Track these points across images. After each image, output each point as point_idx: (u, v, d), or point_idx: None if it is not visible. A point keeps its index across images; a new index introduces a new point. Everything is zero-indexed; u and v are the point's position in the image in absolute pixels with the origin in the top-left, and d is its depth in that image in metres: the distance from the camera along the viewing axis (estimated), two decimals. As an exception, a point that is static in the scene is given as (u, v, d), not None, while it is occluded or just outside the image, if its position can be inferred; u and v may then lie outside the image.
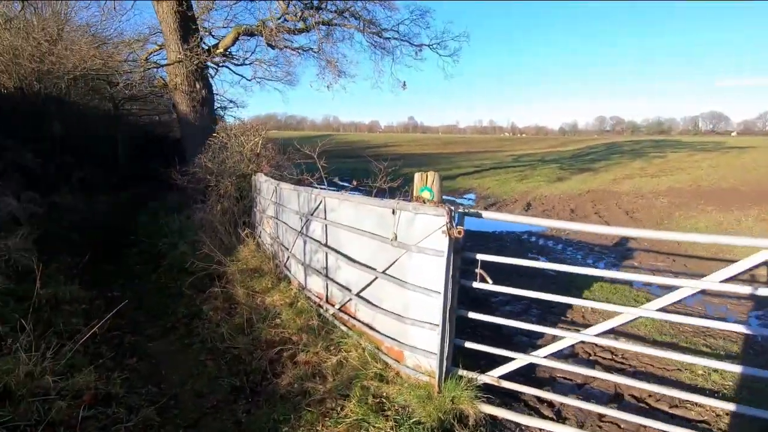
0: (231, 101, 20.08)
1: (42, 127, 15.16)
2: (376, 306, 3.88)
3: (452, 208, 3.08)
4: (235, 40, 13.77)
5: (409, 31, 15.29)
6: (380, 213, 3.72)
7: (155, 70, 15.10)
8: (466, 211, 3.26)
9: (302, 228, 5.27)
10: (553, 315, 5.29)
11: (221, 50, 13.68)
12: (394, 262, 3.55)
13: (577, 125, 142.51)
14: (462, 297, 3.48)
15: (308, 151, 5.91)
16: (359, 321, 4.19)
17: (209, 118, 13.16)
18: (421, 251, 3.24)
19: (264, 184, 7.11)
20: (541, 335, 4.62)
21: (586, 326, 4.98)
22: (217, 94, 17.24)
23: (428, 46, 15.85)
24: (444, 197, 3.45)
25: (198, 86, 12.80)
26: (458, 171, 24.87)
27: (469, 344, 3.40)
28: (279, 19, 13.44)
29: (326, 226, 4.69)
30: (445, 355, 3.22)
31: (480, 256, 3.26)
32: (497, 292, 3.42)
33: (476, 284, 3.31)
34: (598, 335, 2.92)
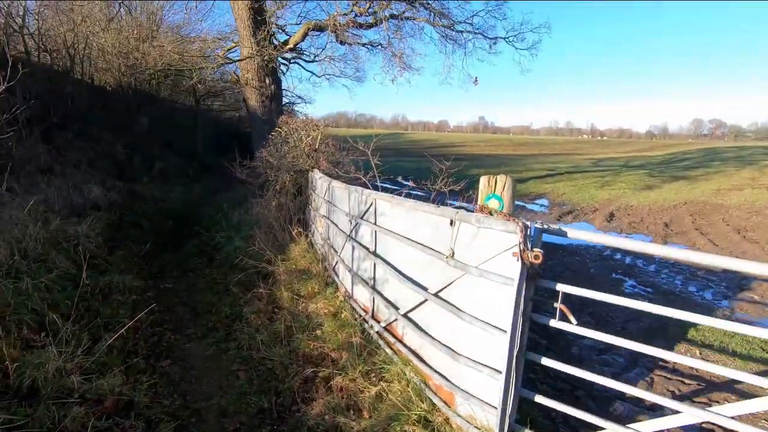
0: (299, 97, 20.43)
1: (132, 121, 16.45)
2: (425, 333, 3.26)
3: (527, 224, 2.37)
4: (305, 35, 13.77)
5: (483, 24, 14.34)
6: (436, 222, 3.09)
7: (231, 66, 15.67)
8: (546, 227, 2.53)
9: (351, 231, 4.79)
10: (648, 358, 4.28)
11: (291, 46, 13.76)
12: (450, 284, 2.91)
13: (668, 128, 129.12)
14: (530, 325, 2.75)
15: (362, 147, 5.41)
16: (405, 346, 3.59)
17: (277, 113, 13.30)
18: (483, 275, 2.57)
19: (319, 181, 6.76)
20: (632, 382, 3.69)
21: (695, 378, 3.95)
22: (286, 90, 17.56)
23: (504, 38, 14.76)
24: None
25: (267, 81, 12.98)
26: (530, 174, 23.22)
27: (541, 399, 2.65)
28: (349, 12, 13.21)
29: (375, 231, 4.15)
30: (508, 411, 2.52)
31: (562, 287, 2.51)
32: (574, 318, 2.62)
33: (554, 323, 2.56)
34: (736, 418, 2.05)
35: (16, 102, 8.30)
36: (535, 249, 2.30)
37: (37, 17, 12.69)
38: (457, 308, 2.81)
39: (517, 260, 2.34)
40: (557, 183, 19.43)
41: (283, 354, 4.06)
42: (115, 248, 7.03)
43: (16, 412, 2.76)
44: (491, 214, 2.58)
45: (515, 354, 2.46)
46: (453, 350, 2.87)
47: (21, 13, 11.66)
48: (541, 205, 14.87)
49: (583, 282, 6.68)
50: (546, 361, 2.63)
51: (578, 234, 2.52)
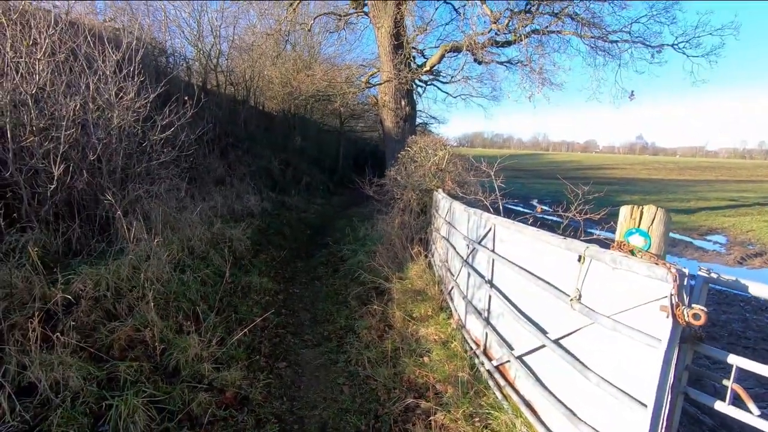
0: (433, 117, 20.82)
1: (288, 141, 18.93)
2: (540, 383, 2.80)
3: (683, 270, 1.83)
4: (442, 57, 13.99)
5: (644, 30, 12.55)
6: (560, 256, 2.65)
7: (372, 90, 16.83)
8: (714, 275, 1.93)
9: (468, 256, 4.52)
10: None
11: (427, 68, 14.11)
12: (573, 332, 2.44)
13: None
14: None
15: (485, 168, 5.10)
16: (517, 393, 3.16)
17: (410, 133, 13.73)
18: (617, 329, 2.07)
19: (441, 201, 6.64)
20: None
21: None
22: (421, 111, 18.06)
23: (672, 45, 12.67)
24: (671, 234, 2.16)
25: (402, 103, 13.51)
26: (701, 204, 19.29)
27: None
28: (488, 31, 12.99)
29: (493, 259, 3.81)
30: None
31: (736, 360, 1.86)
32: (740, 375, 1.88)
33: (722, 407, 1.92)
34: None
35: (205, 125, 10.17)
36: (695, 305, 1.75)
37: (227, 58, 15.53)
38: (581, 363, 2.34)
39: (667, 317, 1.81)
40: (741, 216, 15.66)
41: (387, 376, 3.98)
42: (259, 252, 7.98)
43: (159, 389, 3.23)
44: (632, 254, 2.08)
45: (659, 438, 1.90)
46: (573, 413, 2.39)
47: (216, 55, 14.51)
48: (716, 243, 12.12)
49: (776, 350, 5.11)
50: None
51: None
